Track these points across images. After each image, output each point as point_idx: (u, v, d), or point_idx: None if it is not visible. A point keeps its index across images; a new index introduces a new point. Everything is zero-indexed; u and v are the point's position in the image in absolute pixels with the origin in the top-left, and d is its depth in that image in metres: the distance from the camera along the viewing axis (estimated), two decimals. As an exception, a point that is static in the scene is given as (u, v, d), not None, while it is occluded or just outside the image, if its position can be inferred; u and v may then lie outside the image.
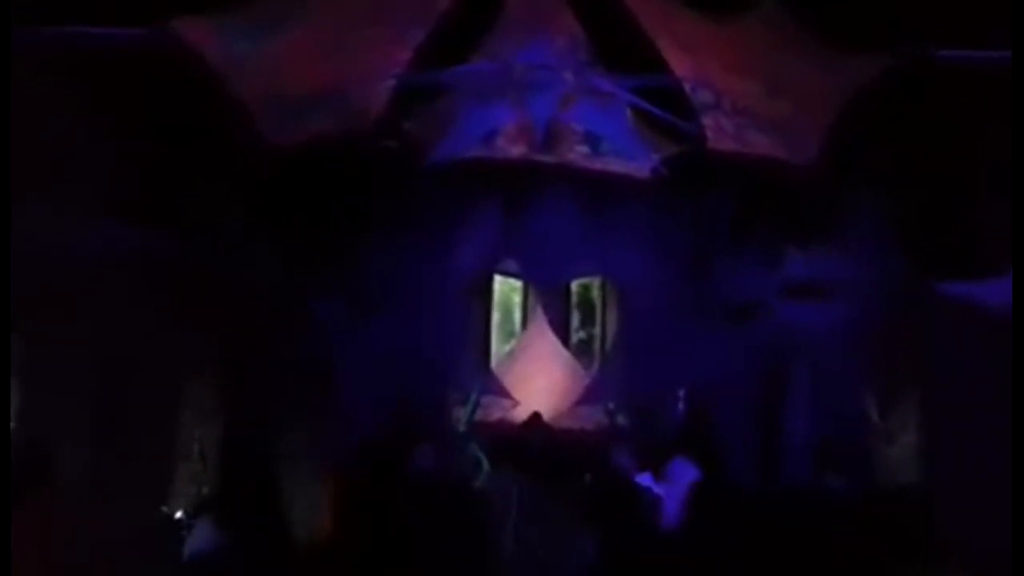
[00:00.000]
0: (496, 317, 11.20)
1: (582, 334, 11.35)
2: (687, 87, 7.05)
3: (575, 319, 11.29)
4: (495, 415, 10.07)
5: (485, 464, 9.02)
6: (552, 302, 10.79)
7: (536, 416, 9.45)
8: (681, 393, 8.74)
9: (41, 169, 5.49)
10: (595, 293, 11.22)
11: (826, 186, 7.46)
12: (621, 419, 9.93)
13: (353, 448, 8.04)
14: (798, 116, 6.96)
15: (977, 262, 6.08)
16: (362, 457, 8.01)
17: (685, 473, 6.51)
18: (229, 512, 4.87)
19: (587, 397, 10.16)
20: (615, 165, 8.39)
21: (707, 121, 7.15)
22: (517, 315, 11.24)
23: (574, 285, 11.12)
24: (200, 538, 4.44)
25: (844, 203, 7.56)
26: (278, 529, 4.63)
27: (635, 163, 8.30)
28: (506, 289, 11.17)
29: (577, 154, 8.33)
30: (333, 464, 7.76)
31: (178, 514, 7.06)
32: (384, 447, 8.08)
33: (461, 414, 9.92)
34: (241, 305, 7.53)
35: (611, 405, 10.04)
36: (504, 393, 10.16)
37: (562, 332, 10.84)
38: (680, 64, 7.02)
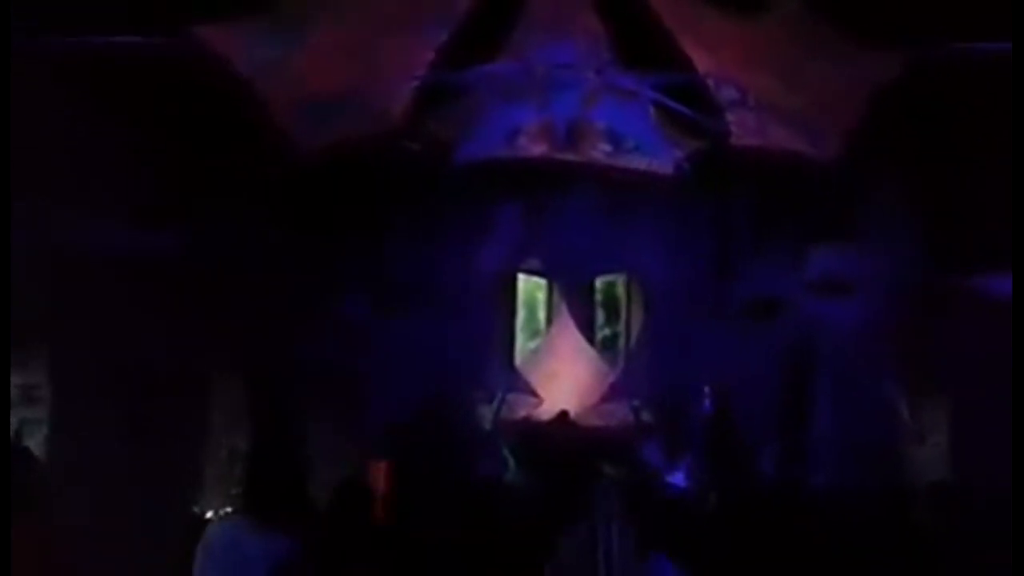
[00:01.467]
0: (521, 315, 11.22)
1: (607, 331, 11.34)
2: (711, 84, 7.01)
3: (600, 316, 11.29)
4: (521, 413, 10.09)
5: (512, 463, 9.05)
6: (576, 300, 10.78)
7: (563, 414, 9.47)
8: (706, 390, 8.71)
9: (69, 176, 5.57)
10: (619, 290, 11.21)
11: (850, 181, 7.41)
12: (646, 416, 9.92)
13: (380, 447, 8.09)
14: (821, 111, 6.92)
15: (1003, 256, 6.00)
16: (389, 456, 8.06)
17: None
18: (257, 513, 4.91)
19: (612, 394, 10.15)
20: (638, 163, 8.35)
21: (731, 117, 7.11)
22: (542, 313, 11.25)
23: (598, 282, 11.11)
24: (230, 538, 4.48)
25: (868, 198, 7.49)
26: (307, 530, 4.67)
27: (658, 160, 8.27)
28: (530, 287, 11.18)
29: (600, 152, 8.29)
30: (360, 464, 7.82)
31: (208, 514, 7.14)
32: (411, 447, 8.13)
33: (487, 413, 9.95)
34: (267, 307, 7.59)
35: (636, 402, 10.03)
36: (530, 391, 10.17)
37: (587, 330, 10.83)
38: (703, 61, 6.99)
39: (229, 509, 7.07)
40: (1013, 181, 5.34)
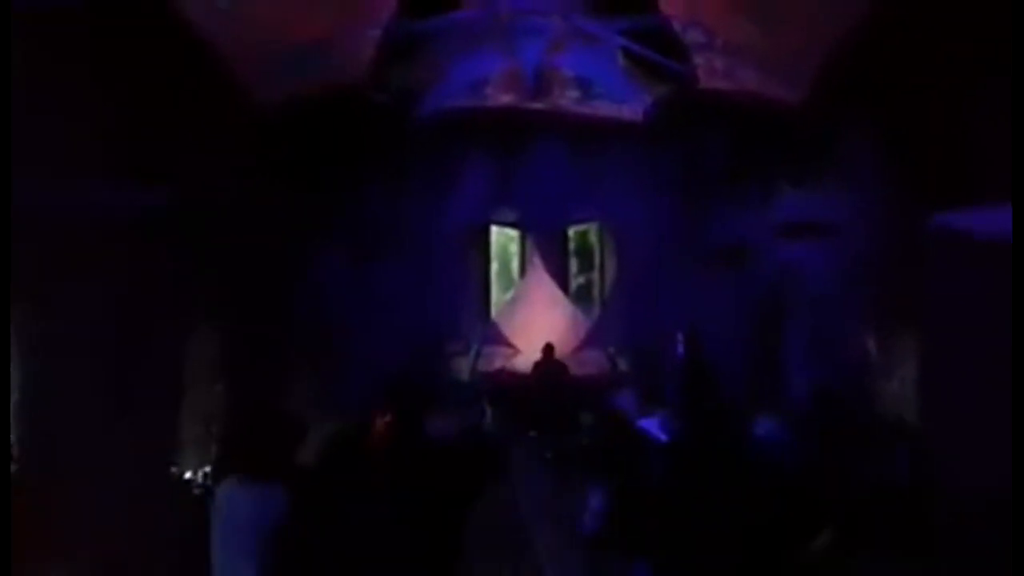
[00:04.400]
0: (494, 267, 11.23)
1: (581, 280, 11.39)
2: (677, 27, 6.96)
3: (573, 265, 11.33)
4: (497, 364, 10.16)
5: (489, 413, 9.11)
6: (550, 249, 10.80)
7: (543, 363, 9.52)
8: (679, 335, 8.77)
9: (31, 133, 5.45)
10: (592, 239, 11.23)
11: (819, 123, 7.40)
12: (622, 363, 10.01)
13: (358, 400, 8.10)
14: (789, 53, 6.88)
15: (973, 193, 6.04)
16: (366, 410, 8.07)
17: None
18: (239, 470, 4.91)
19: (588, 342, 10.24)
20: (607, 109, 8.34)
21: (699, 61, 7.07)
22: (515, 264, 11.27)
23: (571, 231, 11.13)
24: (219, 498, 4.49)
25: (837, 140, 7.49)
26: (289, 485, 4.67)
27: (627, 106, 8.25)
28: (503, 239, 11.18)
29: (568, 99, 8.27)
30: (338, 417, 7.83)
31: (187, 474, 7.13)
32: (388, 399, 8.14)
33: (464, 364, 10.00)
34: (241, 261, 7.52)
35: (612, 349, 10.12)
36: (505, 342, 10.24)
37: (561, 278, 10.88)
38: (670, 4, 6.93)
39: (207, 469, 7.07)
40: (1013, 162, 5.34)
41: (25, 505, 4.35)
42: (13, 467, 5.06)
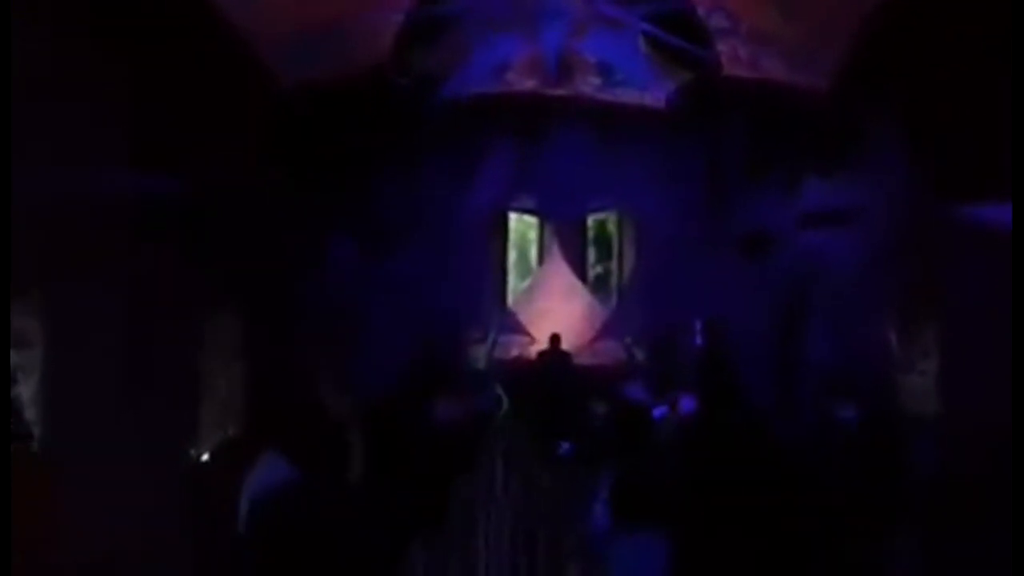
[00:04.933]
0: (512, 255, 11.18)
1: (599, 269, 11.32)
2: (701, 12, 6.88)
3: (592, 254, 11.26)
4: (514, 352, 10.13)
5: (505, 402, 9.09)
6: (568, 238, 10.75)
7: (557, 352, 9.51)
8: (699, 325, 8.71)
9: (43, 119, 5.44)
10: (611, 228, 11.16)
11: (842, 111, 7.31)
12: (639, 353, 9.95)
13: (374, 388, 8.10)
14: (814, 40, 6.80)
15: (998, 182, 5.95)
16: (384, 397, 8.07)
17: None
18: (256, 454, 4.91)
19: (605, 332, 10.19)
20: (629, 95, 8.26)
21: (722, 47, 7.00)
22: (533, 252, 11.21)
23: (590, 220, 11.06)
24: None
25: (861, 128, 7.40)
26: (304, 471, 4.67)
27: (649, 93, 8.17)
28: (522, 227, 11.13)
29: (590, 85, 8.20)
30: (355, 404, 7.83)
31: (205, 456, 7.15)
32: (405, 386, 8.14)
33: (480, 352, 9.97)
34: (258, 247, 7.52)
35: (629, 339, 10.06)
36: (522, 330, 10.20)
37: (579, 267, 10.83)
38: (694, -13, 6.86)
39: (226, 452, 7.08)
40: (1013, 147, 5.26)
41: (40, 491, 4.35)
42: (33, 448, 5.07)
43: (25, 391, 5.40)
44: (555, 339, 9.61)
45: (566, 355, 9.62)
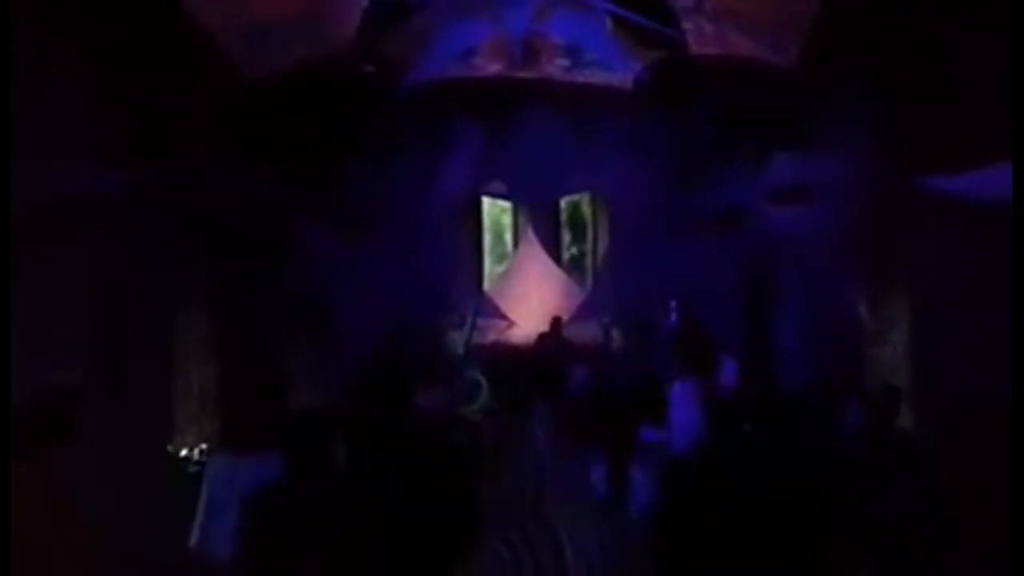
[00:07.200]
0: (487, 239, 11.18)
1: (574, 251, 11.34)
2: (666, -10, 6.88)
3: (566, 236, 11.27)
4: (492, 336, 10.14)
5: (485, 387, 9.09)
6: (542, 221, 10.76)
7: (531, 330, 9.53)
8: (672, 303, 8.74)
9: (25, 116, 5.39)
10: (585, 209, 11.17)
11: (809, 86, 7.33)
12: (617, 333, 9.99)
13: (352, 378, 8.07)
14: (778, 15, 6.81)
15: (966, 155, 6.01)
16: (361, 387, 8.05)
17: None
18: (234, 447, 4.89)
19: (582, 313, 10.21)
20: (597, 77, 8.24)
21: (688, 25, 6.99)
22: (508, 236, 11.22)
23: (563, 202, 11.06)
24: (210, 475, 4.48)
25: (828, 103, 7.43)
26: (283, 462, 4.65)
27: (617, 73, 8.16)
28: (496, 211, 11.12)
29: (557, 68, 8.17)
30: (333, 395, 7.81)
31: (183, 452, 7.13)
32: (383, 375, 8.12)
33: (458, 337, 9.97)
34: (229, 240, 7.47)
35: (607, 320, 10.09)
36: (499, 314, 10.21)
37: (553, 250, 10.84)
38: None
39: (204, 446, 7.06)
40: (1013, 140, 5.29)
41: (21, 489, 4.32)
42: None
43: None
44: (552, 323, 9.61)
45: (545, 337, 9.65)
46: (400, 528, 4.13)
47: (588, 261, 11.23)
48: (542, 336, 9.56)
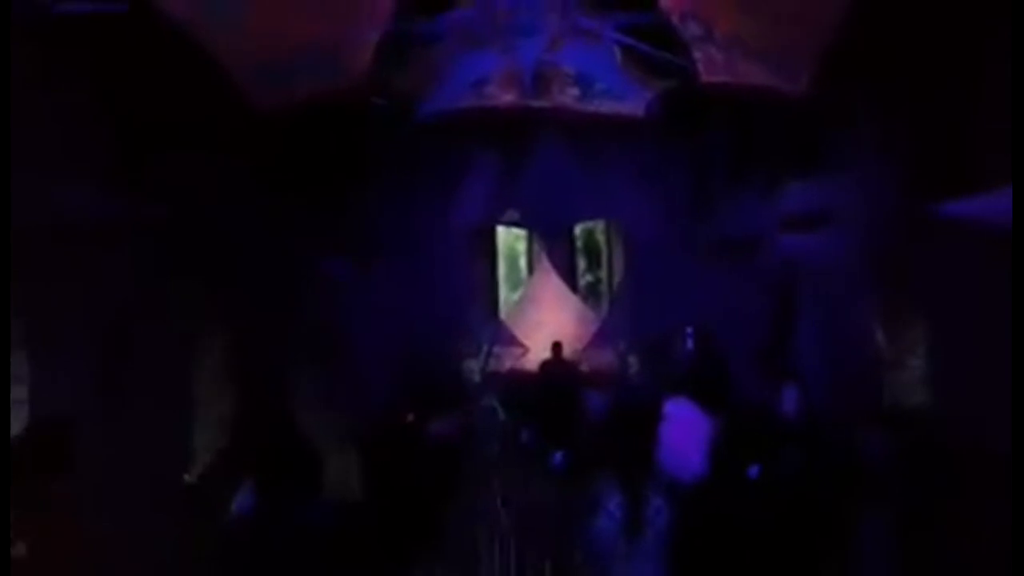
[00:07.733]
0: (502, 267, 11.24)
1: (589, 278, 11.40)
2: (675, 20, 6.92)
3: (581, 263, 11.33)
4: (507, 364, 10.16)
5: (501, 414, 9.10)
6: (557, 248, 10.81)
7: (548, 357, 9.53)
8: (689, 330, 8.74)
9: (28, 141, 5.47)
10: (599, 236, 11.23)
11: (822, 113, 7.36)
12: (632, 360, 9.99)
13: (369, 407, 8.11)
14: (788, 43, 6.84)
15: (978, 179, 5.99)
16: (379, 415, 8.09)
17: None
18: (249, 477, 4.92)
19: (598, 340, 10.22)
20: (608, 106, 8.30)
21: (697, 54, 7.03)
22: (523, 263, 11.28)
23: (578, 230, 11.12)
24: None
25: (839, 129, 7.46)
26: (298, 492, 4.68)
27: (628, 103, 8.21)
28: (510, 239, 11.20)
29: (569, 97, 8.23)
30: (350, 425, 7.84)
31: (195, 480, 7.16)
32: (400, 404, 8.16)
33: (474, 366, 10.00)
34: (245, 270, 7.55)
35: (622, 346, 10.10)
36: (515, 342, 10.24)
37: (569, 277, 10.89)
38: (667, -2, 6.90)
39: (220, 476, 7.08)
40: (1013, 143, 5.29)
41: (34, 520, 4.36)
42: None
43: (15, 424, 5.41)
44: (552, 348, 9.62)
45: (561, 364, 9.65)
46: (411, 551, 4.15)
47: (603, 288, 11.26)
48: (557, 363, 9.57)
